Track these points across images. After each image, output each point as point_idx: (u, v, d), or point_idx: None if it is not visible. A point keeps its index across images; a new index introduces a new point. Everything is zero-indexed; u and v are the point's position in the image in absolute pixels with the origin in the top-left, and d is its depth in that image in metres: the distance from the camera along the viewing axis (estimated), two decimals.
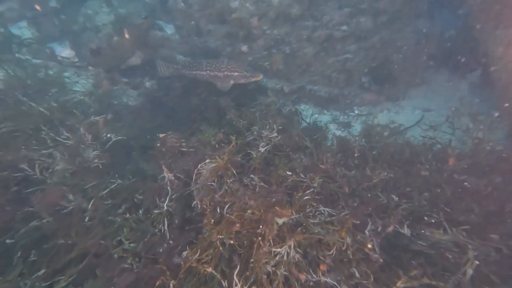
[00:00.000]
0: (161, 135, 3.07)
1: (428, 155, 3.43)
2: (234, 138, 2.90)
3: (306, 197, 2.49)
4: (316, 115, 5.98)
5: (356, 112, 6.15)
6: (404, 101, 6.26)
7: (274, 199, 2.30)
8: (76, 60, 5.44)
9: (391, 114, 6.04)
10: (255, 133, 3.11)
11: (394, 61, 5.93)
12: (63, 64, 5.36)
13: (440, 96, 6.23)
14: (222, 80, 4.51)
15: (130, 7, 5.44)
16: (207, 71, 4.52)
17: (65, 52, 5.32)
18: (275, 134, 2.99)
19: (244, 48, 5.78)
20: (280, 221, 2.20)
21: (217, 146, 2.97)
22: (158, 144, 3.00)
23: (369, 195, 2.72)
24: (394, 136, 3.79)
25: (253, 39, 5.69)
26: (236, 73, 4.48)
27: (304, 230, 2.34)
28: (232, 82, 4.51)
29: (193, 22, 5.67)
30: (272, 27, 5.55)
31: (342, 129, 5.64)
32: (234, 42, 5.79)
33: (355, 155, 3.27)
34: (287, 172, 2.69)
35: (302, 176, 2.65)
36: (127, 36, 5.21)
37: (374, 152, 3.41)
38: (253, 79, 4.55)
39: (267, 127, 3.09)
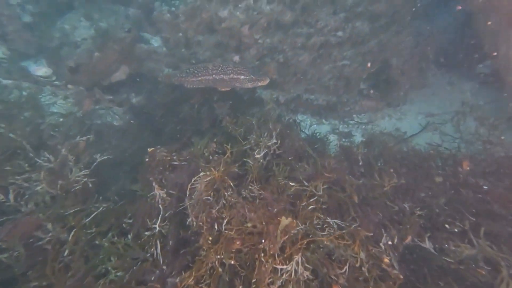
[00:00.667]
0: (150, 150, 3.00)
1: (438, 160, 3.40)
2: (229, 147, 2.84)
3: (311, 207, 2.40)
4: (315, 125, 5.99)
5: (356, 120, 6.17)
6: (405, 106, 6.32)
7: (276, 209, 2.21)
8: (54, 78, 5.39)
9: (393, 121, 6.08)
10: (252, 141, 3.05)
11: (393, 65, 6.04)
12: (39, 84, 5.30)
13: (442, 100, 6.31)
14: (227, 83, 4.44)
15: (112, 20, 5.48)
16: (213, 75, 4.42)
17: (41, 70, 5.28)
18: (274, 141, 2.94)
19: (236, 58, 5.84)
20: (285, 222, 2.09)
21: (211, 157, 2.90)
22: (147, 159, 2.91)
23: (381, 204, 2.65)
24: (399, 143, 3.78)
25: (244, 48, 5.76)
26: (242, 76, 4.41)
27: (311, 244, 2.23)
28: (238, 85, 4.46)
29: (180, 34, 5.74)
30: (264, 36, 5.64)
31: (343, 140, 5.62)
32: (224, 53, 5.85)
33: (360, 163, 3.22)
34: (290, 183, 2.62)
35: (306, 184, 2.58)
36: (110, 51, 5.21)
37: (380, 160, 3.37)
38: (259, 84, 4.52)
39: (265, 134, 3.04)
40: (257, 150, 2.88)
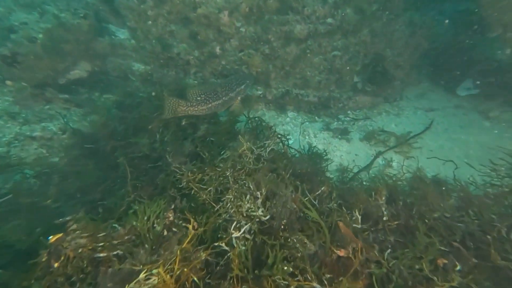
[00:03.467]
0: (53, 237, 1.83)
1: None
2: (193, 220, 1.93)
3: None
4: (307, 123, 5.23)
5: (351, 116, 5.48)
6: (402, 101, 5.71)
7: None
8: None
9: (391, 117, 5.43)
10: (230, 207, 2.17)
11: (388, 56, 5.43)
12: None
13: (441, 93, 5.76)
14: (234, 99, 4.05)
15: (62, 4, 4.51)
16: (223, 98, 3.84)
17: None
18: (261, 210, 2.07)
19: (217, 50, 5.02)
20: None
21: (164, 234, 1.94)
22: (46, 256, 1.78)
23: None
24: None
25: (224, 39, 4.97)
26: (243, 86, 4.11)
27: None
28: (239, 98, 4.12)
29: (150, 22, 4.87)
30: (246, 24, 4.88)
31: (339, 137, 4.89)
32: (202, 44, 5.03)
33: (384, 218, 2.33)
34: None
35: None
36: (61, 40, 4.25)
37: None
38: (250, 84, 4.36)
39: (247, 197, 2.15)
40: (235, 223, 2.00)
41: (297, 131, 5.01)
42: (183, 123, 3.55)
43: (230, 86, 3.96)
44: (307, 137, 4.93)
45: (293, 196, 2.16)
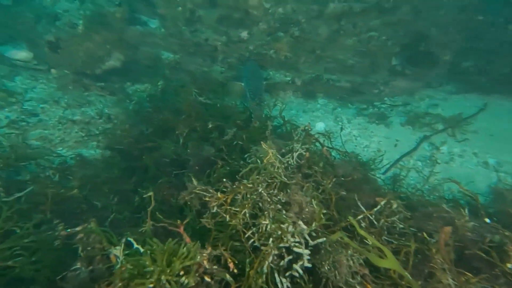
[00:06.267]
0: None
1: None
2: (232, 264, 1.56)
3: None
4: (339, 109, 4.77)
5: (389, 103, 4.91)
6: (449, 86, 5.01)
7: None
8: (35, 62, 4.49)
9: (436, 102, 4.76)
10: (266, 236, 1.80)
11: (431, 36, 4.80)
12: (16, 68, 4.40)
13: None
14: None
15: None
16: None
17: (19, 54, 4.40)
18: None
19: (244, 34, 4.77)
20: None
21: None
22: None
23: None
24: None
25: (252, 22, 4.70)
26: None
27: None
28: None
29: (180, 8, 4.76)
30: (276, 4, 4.57)
31: (376, 122, 4.36)
32: (229, 29, 4.81)
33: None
34: None
35: None
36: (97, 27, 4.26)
37: None
38: None
39: (289, 227, 1.77)
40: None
41: (328, 118, 4.57)
42: (210, 126, 3.22)
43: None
44: (340, 123, 4.47)
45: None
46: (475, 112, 4.17)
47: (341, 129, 4.18)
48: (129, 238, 1.70)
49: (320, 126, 4.41)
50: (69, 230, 1.94)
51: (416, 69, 4.77)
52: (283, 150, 2.53)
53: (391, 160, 3.64)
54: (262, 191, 2.08)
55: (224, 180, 2.23)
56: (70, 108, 4.33)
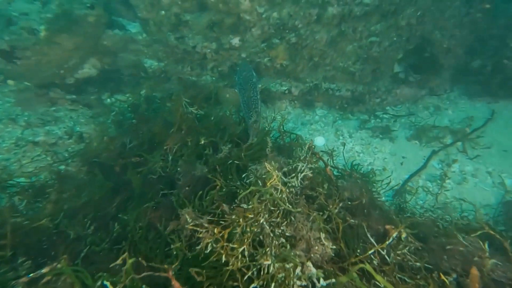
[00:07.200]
0: None
1: None
2: None
3: None
4: (339, 121, 4.42)
5: (391, 112, 4.59)
6: (454, 93, 4.74)
7: None
8: None
9: (443, 112, 4.48)
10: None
11: (436, 41, 4.49)
12: None
13: None
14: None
15: None
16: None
17: None
18: None
19: (235, 41, 4.33)
20: None
21: None
22: None
23: None
24: None
25: (245, 28, 4.26)
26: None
27: None
28: None
29: (163, 12, 4.26)
30: (270, 9, 4.14)
31: (380, 136, 4.05)
32: (220, 35, 4.35)
33: None
34: None
35: None
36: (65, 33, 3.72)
37: None
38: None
39: (296, 270, 1.41)
40: None
41: (328, 131, 4.23)
42: (202, 142, 2.76)
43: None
44: (341, 137, 4.13)
45: None
46: (483, 123, 3.91)
47: (344, 145, 3.86)
48: (105, 283, 1.37)
49: (320, 141, 4.06)
50: (31, 274, 1.55)
51: (419, 76, 4.46)
52: (285, 169, 2.18)
53: (398, 180, 3.35)
54: (264, 222, 1.73)
55: (223, 204, 1.87)
56: (31, 127, 3.75)
